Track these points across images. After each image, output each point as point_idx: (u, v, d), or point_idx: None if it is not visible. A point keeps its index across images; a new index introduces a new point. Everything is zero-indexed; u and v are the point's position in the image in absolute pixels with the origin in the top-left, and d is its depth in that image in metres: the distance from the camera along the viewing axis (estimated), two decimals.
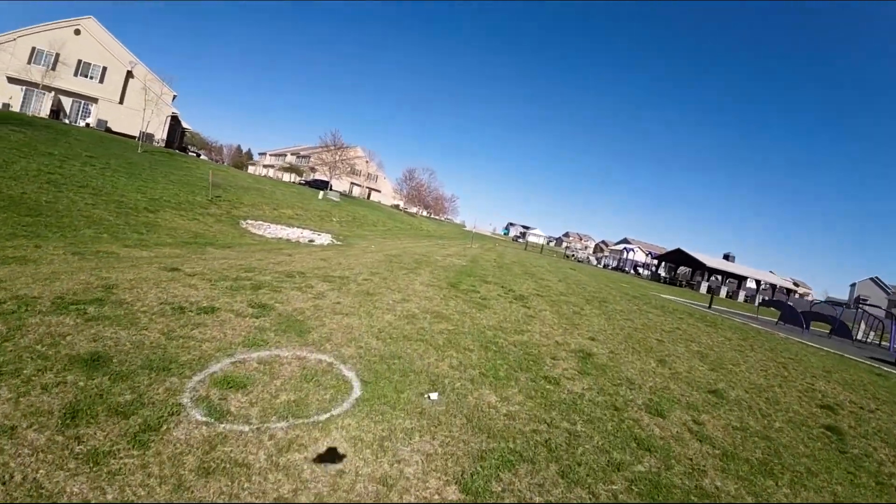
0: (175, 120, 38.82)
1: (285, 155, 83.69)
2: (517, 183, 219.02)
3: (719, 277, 52.56)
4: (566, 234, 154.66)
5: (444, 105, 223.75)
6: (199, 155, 47.64)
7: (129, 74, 34.61)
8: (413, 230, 41.80)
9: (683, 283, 50.55)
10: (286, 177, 68.83)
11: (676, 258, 51.35)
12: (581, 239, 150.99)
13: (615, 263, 60.75)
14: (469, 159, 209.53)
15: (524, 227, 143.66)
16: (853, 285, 75.81)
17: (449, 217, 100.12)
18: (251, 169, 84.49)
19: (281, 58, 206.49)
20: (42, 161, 15.19)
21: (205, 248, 10.92)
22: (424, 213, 79.95)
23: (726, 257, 54.99)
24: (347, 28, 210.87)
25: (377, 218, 38.77)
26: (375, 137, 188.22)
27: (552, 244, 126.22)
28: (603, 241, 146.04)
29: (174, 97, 38.98)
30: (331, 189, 47.89)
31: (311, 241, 16.73)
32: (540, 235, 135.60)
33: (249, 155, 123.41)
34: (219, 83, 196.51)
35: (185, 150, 46.47)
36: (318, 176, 59.96)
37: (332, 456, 2.68)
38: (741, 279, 51.58)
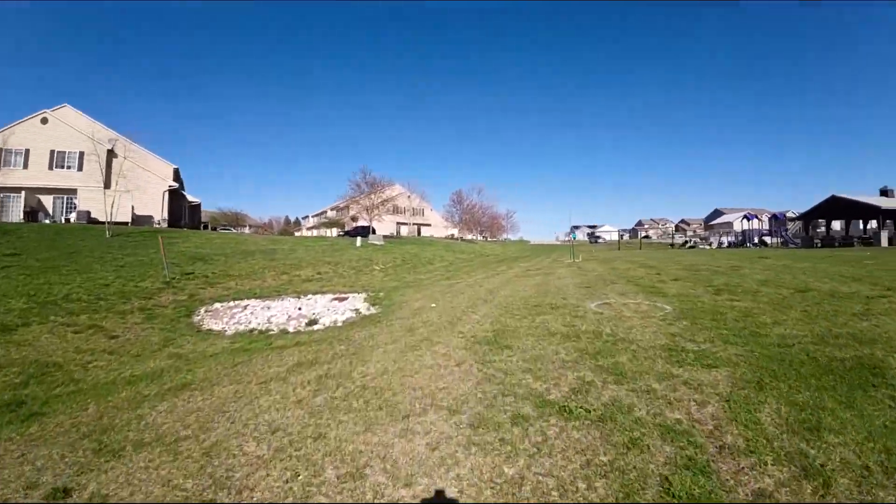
0: (176, 195, 33.30)
1: (325, 212, 79.22)
2: (566, 184, 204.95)
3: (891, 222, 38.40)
4: (639, 223, 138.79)
5: (473, 118, 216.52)
6: (224, 229, 42.59)
7: (111, 154, 29.55)
8: (480, 257, 32.96)
9: (839, 241, 37.34)
10: (329, 233, 63.37)
11: (829, 211, 38.28)
12: (658, 223, 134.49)
13: (734, 239, 48.17)
14: (512, 170, 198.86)
15: (590, 226, 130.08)
16: None
17: (507, 236, 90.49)
18: (298, 234, 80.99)
19: (293, 126, 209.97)
20: None
21: None
22: (480, 238, 71.12)
23: (883, 193, 40.91)
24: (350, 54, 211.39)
25: (433, 253, 30.42)
26: (413, 167, 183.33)
27: (627, 237, 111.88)
28: (683, 221, 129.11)
29: (175, 170, 33.73)
30: (373, 233, 40.59)
31: (313, 321, 8.32)
32: (611, 231, 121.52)
33: (297, 222, 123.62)
34: (253, 160, 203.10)
35: (204, 227, 41.33)
36: (360, 224, 53.45)
37: None
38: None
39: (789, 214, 48.00)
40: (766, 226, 48.35)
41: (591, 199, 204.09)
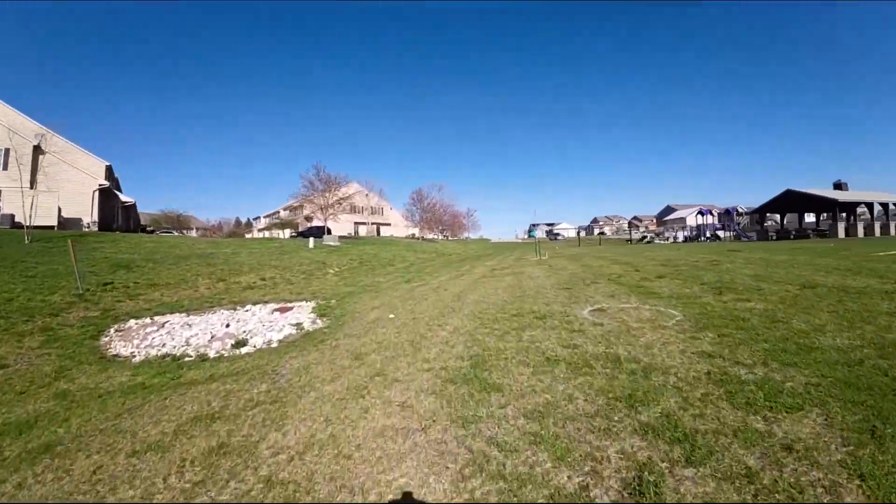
0: (108, 195, 29.81)
1: (278, 212, 75.43)
2: (524, 183, 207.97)
3: (845, 214, 40.42)
4: (595, 221, 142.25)
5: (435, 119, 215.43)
6: (165, 232, 39.15)
7: (38, 150, 25.98)
8: (442, 257, 31.72)
9: (793, 234, 39.00)
10: (282, 234, 60.20)
11: (783, 204, 39.60)
12: (612, 220, 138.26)
13: (689, 234, 49.50)
14: (472, 169, 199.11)
15: (548, 224, 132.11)
16: None
17: (468, 235, 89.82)
18: (249, 236, 76.68)
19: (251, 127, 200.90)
20: None
21: None
22: (441, 237, 69.85)
23: (837, 186, 43.10)
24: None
25: (392, 254, 28.87)
26: (373, 166, 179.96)
27: (584, 234, 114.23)
28: (635, 217, 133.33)
29: (108, 167, 30.36)
30: (328, 233, 38.41)
31: (242, 342, 6.73)
32: (569, 228, 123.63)
33: (249, 224, 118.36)
34: (211, 156, 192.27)
35: (143, 230, 37.71)
36: (314, 224, 50.79)
37: None
38: (852, 208, 39.37)
39: (739, 209, 49.80)
40: (717, 221, 50.03)
41: (549, 198, 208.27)
